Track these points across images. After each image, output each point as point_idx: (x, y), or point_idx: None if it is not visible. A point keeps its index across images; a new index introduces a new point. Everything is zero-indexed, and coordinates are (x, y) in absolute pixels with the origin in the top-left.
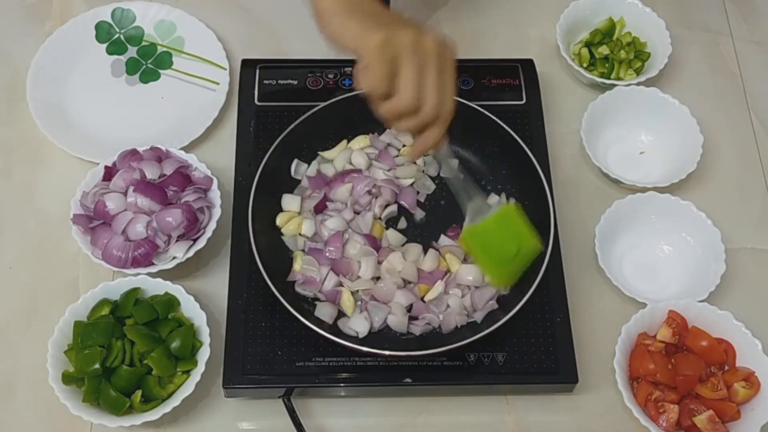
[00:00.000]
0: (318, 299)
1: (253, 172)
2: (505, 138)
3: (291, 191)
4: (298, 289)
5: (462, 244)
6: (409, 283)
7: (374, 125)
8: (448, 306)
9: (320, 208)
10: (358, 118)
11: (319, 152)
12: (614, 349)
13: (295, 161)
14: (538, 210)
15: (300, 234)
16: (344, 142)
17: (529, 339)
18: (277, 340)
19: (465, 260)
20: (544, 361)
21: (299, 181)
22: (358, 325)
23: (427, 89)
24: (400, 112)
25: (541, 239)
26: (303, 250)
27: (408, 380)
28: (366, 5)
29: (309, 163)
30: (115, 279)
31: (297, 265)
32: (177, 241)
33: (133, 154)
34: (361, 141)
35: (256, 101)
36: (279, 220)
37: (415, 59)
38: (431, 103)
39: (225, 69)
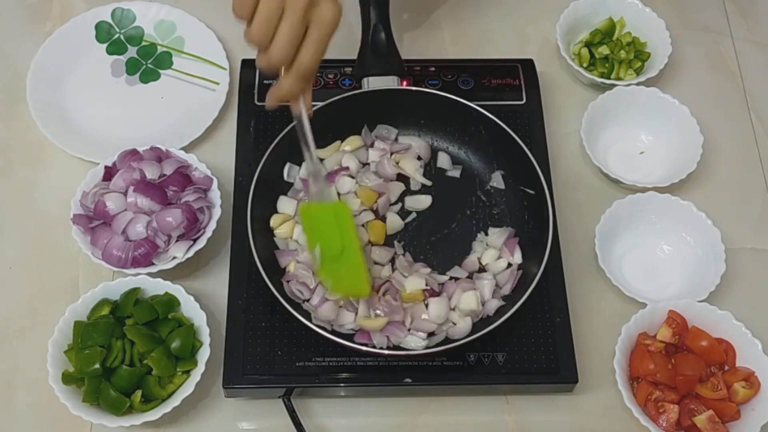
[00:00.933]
0: (309, 302)
1: (253, 172)
2: (505, 138)
3: (288, 191)
4: (293, 288)
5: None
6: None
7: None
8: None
9: None
10: (358, 118)
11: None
12: (614, 349)
13: (288, 164)
14: (538, 210)
15: (291, 239)
16: (338, 142)
17: (529, 339)
18: (277, 340)
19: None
20: (544, 361)
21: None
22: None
23: (280, 31)
24: (249, 41)
25: (541, 255)
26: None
27: (408, 380)
28: None
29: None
30: (115, 279)
31: (291, 266)
32: (177, 241)
33: (133, 154)
34: (353, 141)
35: (256, 101)
36: (273, 221)
37: None
38: (278, 46)
39: (225, 69)
